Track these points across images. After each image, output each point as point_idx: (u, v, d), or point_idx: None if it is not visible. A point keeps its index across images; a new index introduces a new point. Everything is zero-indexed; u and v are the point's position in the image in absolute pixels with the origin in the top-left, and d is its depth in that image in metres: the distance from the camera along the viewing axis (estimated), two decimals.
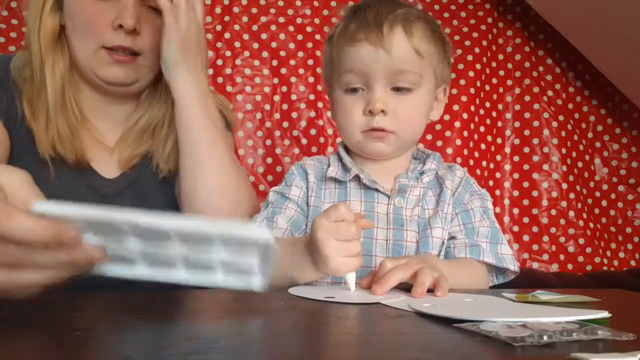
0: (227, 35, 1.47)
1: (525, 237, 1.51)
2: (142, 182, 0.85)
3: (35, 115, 0.79)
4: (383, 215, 0.81)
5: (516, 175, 1.54)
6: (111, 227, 0.42)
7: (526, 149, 1.54)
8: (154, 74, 0.83)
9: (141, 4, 0.79)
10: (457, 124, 1.48)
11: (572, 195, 1.51)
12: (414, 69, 0.79)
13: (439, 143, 1.48)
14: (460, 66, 1.51)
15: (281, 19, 1.49)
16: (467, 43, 1.53)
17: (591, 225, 1.52)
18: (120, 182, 0.84)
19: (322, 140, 1.46)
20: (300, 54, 1.49)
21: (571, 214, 1.51)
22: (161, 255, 0.45)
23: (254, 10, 1.49)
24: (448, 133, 1.48)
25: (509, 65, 1.58)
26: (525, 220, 1.51)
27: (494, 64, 1.57)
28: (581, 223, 1.50)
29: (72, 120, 0.79)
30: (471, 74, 1.51)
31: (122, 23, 0.76)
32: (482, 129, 1.52)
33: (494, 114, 1.55)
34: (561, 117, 1.55)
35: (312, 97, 1.47)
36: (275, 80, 1.48)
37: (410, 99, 0.81)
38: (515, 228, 1.51)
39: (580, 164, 1.57)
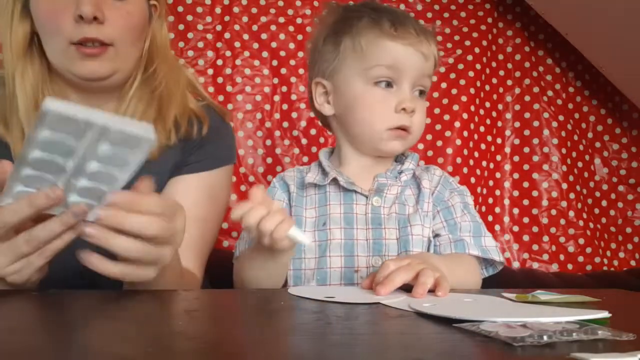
0: (227, 35, 1.47)
1: (525, 237, 1.51)
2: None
3: (10, 129, 0.77)
4: (362, 216, 0.83)
5: (516, 175, 1.54)
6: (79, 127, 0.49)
7: (526, 149, 1.54)
8: (132, 62, 0.81)
9: None
10: (457, 124, 1.48)
11: (572, 195, 1.51)
12: (432, 76, 0.86)
13: (439, 143, 1.48)
14: (460, 66, 1.51)
15: (281, 19, 1.49)
16: (467, 43, 1.53)
17: (591, 225, 1.52)
18: None
19: (322, 140, 1.46)
20: (300, 54, 1.49)
21: (571, 214, 1.50)
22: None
23: (254, 10, 1.48)
24: (448, 133, 1.48)
25: (509, 65, 1.58)
26: (525, 220, 1.51)
27: (494, 64, 1.57)
28: (581, 223, 1.50)
29: None
30: (471, 74, 1.51)
31: (80, 13, 0.72)
32: (482, 129, 1.52)
33: (494, 114, 1.55)
34: (561, 117, 1.55)
35: None
36: (275, 80, 1.48)
37: (424, 103, 0.87)
38: (515, 228, 1.51)
39: (580, 164, 1.56)
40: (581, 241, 1.49)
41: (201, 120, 0.88)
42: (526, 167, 1.53)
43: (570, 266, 1.48)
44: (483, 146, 1.52)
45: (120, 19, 0.76)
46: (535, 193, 1.51)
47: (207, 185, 0.87)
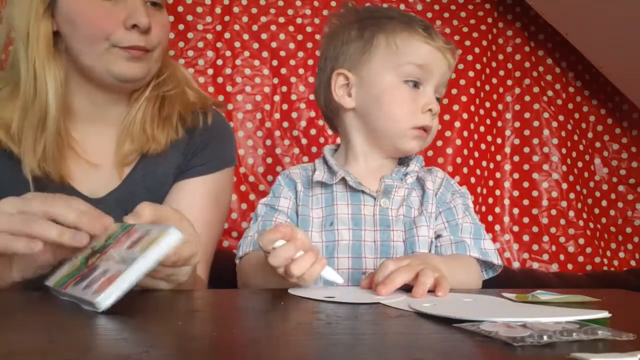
0: (227, 35, 1.46)
1: (525, 237, 1.50)
2: (132, 199, 0.83)
3: (19, 134, 0.76)
4: (370, 217, 0.83)
5: (516, 175, 1.53)
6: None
7: (526, 149, 1.54)
8: (158, 66, 0.84)
9: (143, 1, 0.78)
10: (457, 124, 1.48)
11: (572, 195, 1.51)
12: (446, 87, 0.89)
13: (439, 143, 1.48)
14: (460, 66, 1.51)
15: (281, 19, 1.49)
16: (467, 43, 1.53)
17: (591, 225, 1.52)
18: (106, 201, 0.82)
19: (322, 140, 1.46)
20: (300, 54, 1.49)
21: (571, 214, 1.50)
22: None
23: (254, 10, 1.48)
24: (448, 133, 1.48)
25: (509, 65, 1.58)
26: (525, 220, 1.51)
27: (494, 64, 1.57)
28: (581, 223, 1.50)
29: (59, 137, 0.78)
30: (471, 74, 1.51)
31: (137, 23, 0.75)
32: (482, 129, 1.52)
33: (494, 114, 1.55)
34: (561, 117, 1.55)
35: (312, 97, 1.47)
36: (275, 80, 1.48)
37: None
38: (515, 228, 1.51)
39: (580, 164, 1.56)
40: (581, 241, 1.49)
41: (205, 111, 0.90)
42: (526, 167, 1.53)
43: (570, 266, 1.48)
44: (483, 146, 1.52)
45: (161, 28, 0.81)
46: (535, 193, 1.51)
47: (212, 189, 0.88)
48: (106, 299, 0.47)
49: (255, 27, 1.48)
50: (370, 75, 0.85)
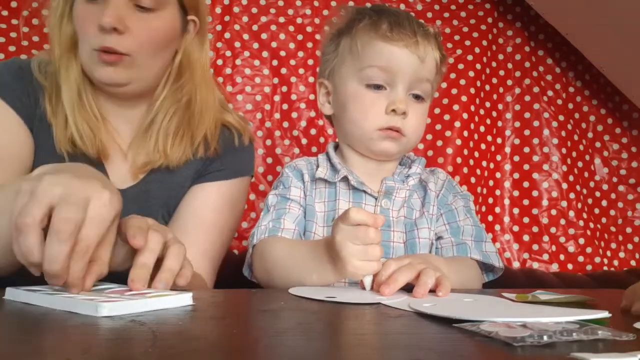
0: (227, 35, 1.47)
1: (525, 237, 1.51)
2: (147, 198, 0.85)
3: (55, 113, 0.80)
4: None
5: (516, 175, 1.53)
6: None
7: (526, 149, 1.54)
8: (153, 73, 0.82)
9: (129, 4, 0.77)
10: (457, 124, 1.48)
11: (572, 195, 1.51)
12: (432, 80, 0.85)
13: (439, 143, 1.48)
14: (460, 66, 1.51)
15: (281, 19, 1.49)
16: (467, 43, 1.53)
17: (591, 225, 1.52)
18: (126, 194, 0.83)
19: (322, 140, 1.46)
20: (300, 54, 1.49)
21: (571, 214, 1.50)
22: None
23: (254, 10, 1.48)
24: (448, 133, 1.48)
25: (509, 65, 1.58)
26: (525, 220, 1.51)
27: (494, 64, 1.57)
28: (581, 223, 1.50)
29: (92, 120, 0.81)
30: (471, 74, 1.51)
31: (101, 23, 0.75)
32: (482, 129, 1.52)
33: (494, 114, 1.55)
34: (561, 117, 1.55)
35: (312, 97, 1.47)
36: (275, 80, 1.48)
37: (422, 107, 0.86)
38: (515, 228, 1.51)
39: (580, 164, 1.56)
40: (581, 241, 1.49)
41: (241, 132, 0.91)
42: (526, 167, 1.53)
43: (570, 266, 1.48)
44: (483, 146, 1.52)
45: (142, 31, 0.78)
46: (535, 193, 1.51)
47: (226, 194, 0.89)
48: (110, 309, 0.47)
49: (255, 27, 1.48)
50: (340, 82, 0.86)
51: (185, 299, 0.53)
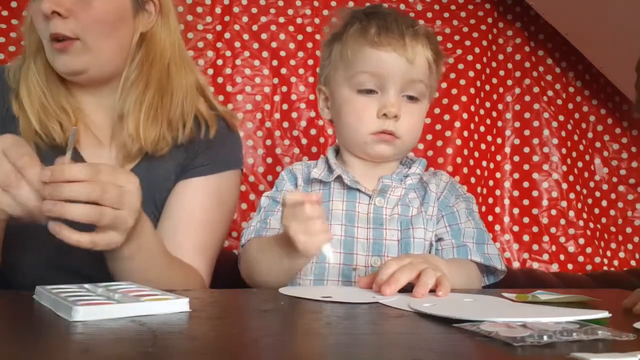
0: (227, 35, 1.46)
1: (525, 237, 1.50)
2: None
3: (21, 109, 0.80)
4: (363, 215, 0.84)
5: (516, 175, 1.53)
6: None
7: (526, 149, 1.54)
8: (108, 56, 0.81)
9: None
10: (457, 124, 1.48)
11: (572, 195, 1.51)
12: (425, 80, 0.84)
13: (439, 143, 1.48)
14: (460, 66, 1.51)
15: (281, 19, 1.49)
16: (467, 43, 1.53)
17: (591, 225, 1.52)
18: None
19: (322, 140, 1.46)
20: (300, 54, 1.49)
21: (571, 214, 1.50)
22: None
23: (254, 10, 1.48)
24: (448, 133, 1.48)
25: (509, 65, 1.58)
26: (525, 220, 1.51)
27: (494, 64, 1.57)
28: (581, 223, 1.50)
29: (60, 116, 0.81)
30: (471, 74, 1.51)
31: (41, 9, 0.75)
32: (482, 129, 1.52)
33: (494, 114, 1.55)
34: (561, 117, 1.55)
35: (312, 97, 1.47)
36: (275, 80, 1.48)
37: (418, 107, 0.86)
38: (515, 228, 1.51)
39: (580, 164, 1.56)
40: (581, 241, 1.49)
41: (208, 124, 0.89)
42: (526, 167, 1.53)
43: (570, 266, 1.48)
44: (483, 146, 1.52)
45: (83, 12, 0.77)
46: (535, 193, 1.51)
47: (215, 189, 0.88)
48: (84, 314, 0.45)
49: (255, 27, 1.48)
50: (335, 88, 0.87)
51: (181, 305, 0.51)
